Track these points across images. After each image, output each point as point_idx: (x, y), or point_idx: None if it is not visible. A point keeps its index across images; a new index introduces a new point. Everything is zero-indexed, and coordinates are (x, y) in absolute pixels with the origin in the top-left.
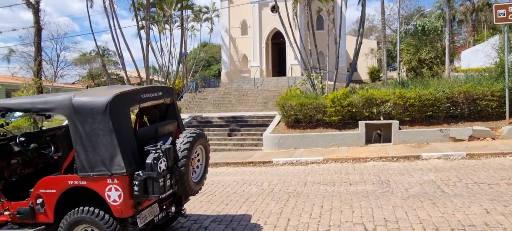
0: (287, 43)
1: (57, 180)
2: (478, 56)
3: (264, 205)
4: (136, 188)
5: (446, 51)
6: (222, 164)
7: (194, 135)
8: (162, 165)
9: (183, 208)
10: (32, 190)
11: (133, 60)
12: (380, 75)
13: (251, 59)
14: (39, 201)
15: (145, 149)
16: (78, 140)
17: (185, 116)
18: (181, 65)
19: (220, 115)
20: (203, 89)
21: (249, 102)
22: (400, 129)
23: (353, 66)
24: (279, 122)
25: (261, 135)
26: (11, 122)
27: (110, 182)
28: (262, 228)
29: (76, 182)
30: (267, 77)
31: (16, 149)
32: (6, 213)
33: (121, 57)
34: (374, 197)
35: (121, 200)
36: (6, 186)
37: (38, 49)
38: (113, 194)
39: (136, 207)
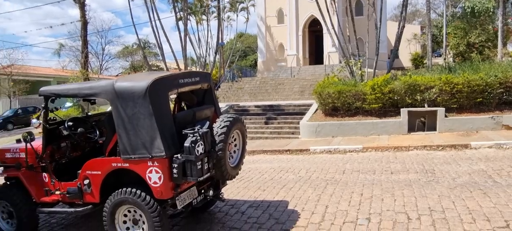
0: (325, 30)
1: (102, 162)
2: None
3: (301, 192)
4: (175, 171)
5: (499, 34)
6: (259, 152)
7: (231, 119)
8: (200, 149)
9: (221, 192)
10: (80, 171)
11: (172, 52)
12: (424, 61)
13: (287, 48)
14: (86, 182)
15: (183, 133)
16: (120, 123)
17: (222, 105)
18: (218, 56)
19: (256, 104)
20: (239, 79)
21: (285, 91)
22: (446, 116)
23: (394, 52)
24: (316, 110)
25: (298, 123)
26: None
27: (151, 164)
28: (300, 214)
29: (119, 164)
30: (304, 66)
31: (65, 133)
32: (58, 192)
33: (160, 48)
34: (418, 186)
35: (161, 182)
36: (57, 168)
37: (85, 42)
38: (154, 176)
39: (176, 189)
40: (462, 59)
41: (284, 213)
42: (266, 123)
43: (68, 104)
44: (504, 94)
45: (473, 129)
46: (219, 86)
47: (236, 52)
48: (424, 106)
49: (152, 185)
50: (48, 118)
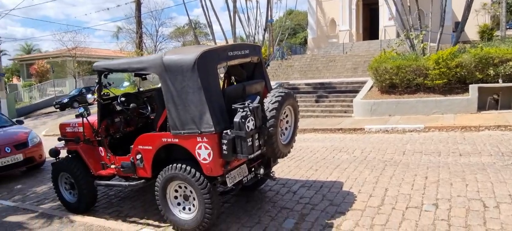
0: (381, 2)
1: (153, 137)
2: None
3: (357, 173)
4: (224, 147)
5: None
6: (310, 130)
7: (282, 94)
8: (250, 124)
9: (272, 171)
10: (132, 146)
11: (222, 31)
12: (494, 33)
13: (339, 23)
14: (138, 156)
15: (233, 108)
16: (169, 98)
17: (272, 83)
18: (267, 34)
19: (307, 82)
20: (289, 57)
21: (337, 68)
22: None
23: (462, 23)
24: (371, 87)
25: (351, 101)
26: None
27: (200, 140)
28: (356, 197)
29: (169, 140)
30: (357, 42)
31: (118, 108)
32: (113, 166)
33: (210, 27)
34: (494, 170)
35: (210, 159)
36: (112, 142)
37: (139, 23)
38: (203, 152)
39: (226, 166)
40: None
41: (338, 194)
42: (316, 101)
43: (126, 83)
44: None
45: None
46: (268, 65)
47: (285, 30)
48: (498, 82)
49: (202, 161)
50: (102, 93)
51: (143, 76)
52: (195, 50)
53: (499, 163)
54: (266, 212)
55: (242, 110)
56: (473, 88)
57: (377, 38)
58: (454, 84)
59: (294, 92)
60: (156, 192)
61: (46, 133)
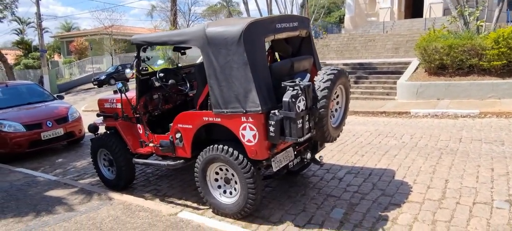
0: None
1: (193, 116)
2: None
3: (409, 161)
4: (271, 129)
5: None
6: (350, 113)
7: (335, 72)
8: (301, 105)
9: (320, 156)
10: (171, 124)
11: (258, 8)
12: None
13: (379, 0)
14: (177, 135)
15: (282, 84)
16: (212, 73)
17: None
18: (302, 11)
19: (344, 62)
20: (325, 36)
21: (376, 48)
22: None
23: None
24: (417, 68)
25: (394, 83)
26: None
27: (245, 120)
28: (411, 187)
29: (210, 119)
30: (399, 20)
31: (156, 84)
32: (151, 145)
33: (245, 4)
34: None
35: (255, 141)
36: (150, 120)
37: (173, 0)
38: (248, 134)
39: (272, 149)
40: None
41: (390, 184)
42: (355, 83)
43: (160, 61)
44: None
45: None
46: None
47: (320, 9)
48: None
49: (246, 143)
50: (141, 68)
51: (182, 50)
52: (241, 22)
53: None
54: (311, 199)
55: (292, 88)
56: None
57: (421, 17)
58: None
59: None
60: (195, 174)
61: (85, 109)
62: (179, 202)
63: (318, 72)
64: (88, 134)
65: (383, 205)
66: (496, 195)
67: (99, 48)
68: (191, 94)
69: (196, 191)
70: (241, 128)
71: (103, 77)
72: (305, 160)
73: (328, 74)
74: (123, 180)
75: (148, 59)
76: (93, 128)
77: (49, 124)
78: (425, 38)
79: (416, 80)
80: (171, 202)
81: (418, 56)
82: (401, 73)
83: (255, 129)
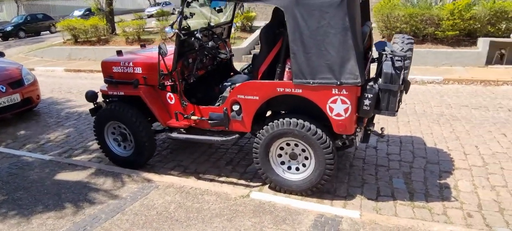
0: None
1: (262, 86)
2: None
3: (426, 128)
4: (366, 102)
5: None
6: None
7: (412, 40)
8: (402, 76)
9: (382, 127)
10: (226, 95)
11: None
12: None
13: None
14: (235, 107)
15: (381, 52)
16: (297, 38)
17: (261, 23)
18: None
19: None
20: None
21: None
22: None
23: None
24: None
25: None
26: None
27: (336, 92)
28: (450, 154)
29: (287, 90)
30: None
31: (196, 45)
32: (194, 117)
33: None
34: None
35: (347, 115)
36: (186, 88)
37: None
38: (338, 107)
39: (359, 123)
40: None
41: (428, 151)
42: None
43: (168, 29)
44: None
45: None
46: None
47: None
48: (509, 37)
49: (334, 117)
50: (183, 26)
51: (220, 8)
52: None
53: None
54: (364, 170)
55: (396, 58)
56: (485, 41)
57: None
58: (463, 37)
59: None
60: (254, 149)
61: None
62: (221, 179)
63: (394, 40)
64: (47, 99)
65: (436, 172)
66: None
67: None
68: (225, 59)
69: (226, 163)
70: (329, 101)
71: (9, 28)
72: (369, 132)
73: (407, 43)
74: (144, 156)
75: (192, 15)
76: (92, 95)
77: (3, 88)
78: (384, 6)
79: None
80: (219, 181)
81: (379, 22)
82: None
83: (348, 102)
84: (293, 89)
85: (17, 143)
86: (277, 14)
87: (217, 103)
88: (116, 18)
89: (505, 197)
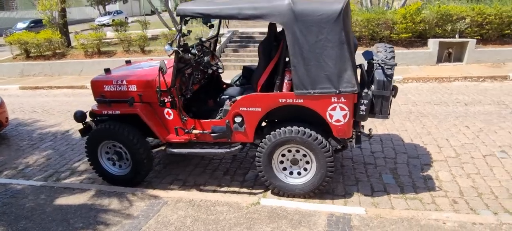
0: None
1: (263, 98)
2: None
3: (399, 125)
4: (362, 108)
5: None
6: None
7: (393, 48)
8: (392, 82)
9: (369, 128)
10: (227, 108)
11: None
12: None
13: None
14: (237, 119)
15: (374, 62)
16: (297, 52)
17: (224, 31)
18: None
19: (260, 30)
20: None
21: None
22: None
23: None
24: None
25: None
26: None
27: (335, 100)
28: (426, 148)
29: (288, 100)
30: None
31: (193, 61)
32: (195, 131)
33: None
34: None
35: (345, 120)
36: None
37: None
38: (337, 114)
39: (356, 127)
40: None
41: (407, 147)
42: (244, 52)
43: (168, 47)
44: None
45: (500, 60)
46: None
47: None
48: (454, 37)
49: (334, 123)
50: (180, 44)
51: (210, 23)
52: None
53: (503, 111)
54: (355, 169)
55: (386, 67)
56: (435, 42)
57: None
58: (416, 38)
59: (250, 42)
60: (257, 158)
61: None
62: (222, 189)
63: (377, 49)
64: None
65: (418, 166)
66: (491, 147)
67: None
68: (216, 73)
69: (223, 173)
70: (329, 109)
71: None
72: (359, 133)
73: (390, 52)
74: (143, 173)
75: (189, 33)
76: (81, 115)
77: None
78: None
79: None
80: (222, 191)
81: None
82: None
83: (346, 109)
84: (294, 100)
85: None
86: (272, 29)
87: (218, 116)
88: None
89: (480, 183)
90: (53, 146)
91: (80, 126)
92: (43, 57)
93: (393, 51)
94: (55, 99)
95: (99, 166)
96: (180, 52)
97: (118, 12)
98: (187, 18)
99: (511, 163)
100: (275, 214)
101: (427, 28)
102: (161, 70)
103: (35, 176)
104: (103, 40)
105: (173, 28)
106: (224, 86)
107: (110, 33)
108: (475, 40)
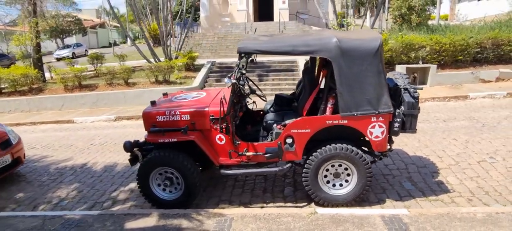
0: None
1: (313, 120)
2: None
3: (399, 141)
4: (396, 125)
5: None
6: None
7: (407, 76)
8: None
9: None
10: (278, 131)
11: None
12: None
13: (237, 3)
14: (288, 140)
15: (403, 88)
16: (343, 81)
17: (203, 61)
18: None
19: (233, 60)
20: (191, 35)
21: None
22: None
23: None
24: None
25: (293, 79)
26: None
27: (375, 120)
28: (429, 158)
29: (335, 122)
30: (255, 22)
31: (243, 91)
32: (249, 153)
33: None
34: (486, 130)
35: (383, 136)
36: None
37: None
38: (376, 131)
39: (390, 141)
40: (403, 21)
41: (412, 158)
42: (260, 80)
43: (227, 80)
44: (479, 53)
45: (458, 82)
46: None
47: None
48: (418, 63)
49: (373, 139)
50: (239, 77)
51: (252, 58)
52: (372, 36)
53: (477, 125)
54: (377, 180)
55: (413, 90)
56: (402, 68)
57: (272, 20)
58: (384, 64)
59: (230, 71)
60: (305, 173)
61: None
62: (272, 204)
63: (394, 76)
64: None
65: (428, 174)
66: (481, 154)
67: None
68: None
69: (262, 191)
70: (369, 127)
71: None
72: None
73: (405, 79)
74: (195, 196)
75: (244, 67)
76: (131, 146)
77: None
78: None
79: None
80: (270, 206)
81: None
82: (293, 71)
83: (383, 126)
84: (340, 121)
85: (25, 206)
86: (313, 60)
87: (268, 139)
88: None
89: (483, 184)
90: (78, 179)
91: (98, 158)
92: (18, 93)
93: (408, 78)
94: (47, 135)
95: (150, 191)
96: (238, 84)
97: (78, 45)
98: (243, 54)
99: (502, 165)
100: (337, 220)
101: (394, 55)
102: (221, 101)
103: (76, 208)
104: (83, 74)
105: (152, 60)
106: (261, 112)
107: (92, 67)
108: (435, 65)
